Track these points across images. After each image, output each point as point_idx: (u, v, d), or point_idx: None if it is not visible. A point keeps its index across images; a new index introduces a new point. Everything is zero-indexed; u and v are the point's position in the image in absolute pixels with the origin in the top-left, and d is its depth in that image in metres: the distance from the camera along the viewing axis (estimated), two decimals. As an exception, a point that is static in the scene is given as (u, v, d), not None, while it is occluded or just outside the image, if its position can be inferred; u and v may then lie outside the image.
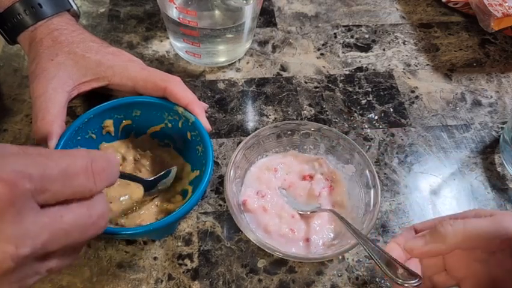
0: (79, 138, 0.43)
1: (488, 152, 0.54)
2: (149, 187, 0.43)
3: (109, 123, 0.45)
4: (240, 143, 0.46)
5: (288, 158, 0.48)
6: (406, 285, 0.34)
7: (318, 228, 0.43)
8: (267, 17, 0.66)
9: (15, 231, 0.23)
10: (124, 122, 0.46)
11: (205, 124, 0.43)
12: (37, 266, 0.25)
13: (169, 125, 0.46)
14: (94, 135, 0.45)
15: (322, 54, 0.62)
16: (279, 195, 0.46)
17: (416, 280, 0.34)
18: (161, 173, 0.44)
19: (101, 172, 0.28)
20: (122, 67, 0.45)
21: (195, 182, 0.44)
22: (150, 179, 0.43)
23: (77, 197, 0.27)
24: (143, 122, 0.46)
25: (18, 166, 0.23)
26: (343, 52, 0.62)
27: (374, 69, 0.61)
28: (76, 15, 0.50)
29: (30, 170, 0.24)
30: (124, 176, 0.41)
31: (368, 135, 0.54)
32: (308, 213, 0.44)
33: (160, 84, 0.44)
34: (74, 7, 0.49)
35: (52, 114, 0.41)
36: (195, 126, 0.43)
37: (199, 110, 0.43)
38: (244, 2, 0.52)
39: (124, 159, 0.46)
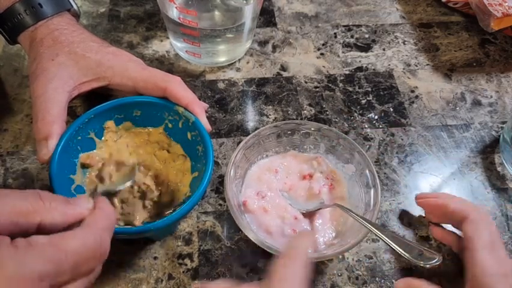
0: (80, 138, 0.43)
1: (488, 151, 0.54)
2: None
3: (110, 124, 0.45)
4: (240, 142, 0.46)
5: (287, 159, 0.48)
6: (428, 266, 0.35)
7: (320, 227, 0.44)
8: (267, 17, 0.66)
9: None
10: (125, 124, 0.46)
11: (206, 124, 0.43)
12: None
13: (170, 125, 0.46)
14: (94, 136, 0.45)
15: (322, 54, 0.62)
16: (281, 197, 0.46)
17: (437, 259, 0.35)
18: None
19: (108, 247, 0.30)
20: (123, 67, 0.45)
21: (195, 182, 0.44)
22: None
23: (83, 277, 0.29)
24: (144, 122, 0.46)
25: (37, 266, 0.25)
26: (343, 52, 0.62)
27: (374, 69, 0.61)
28: (76, 15, 0.50)
29: (47, 270, 0.25)
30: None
31: (368, 135, 0.54)
32: (313, 211, 0.44)
33: (161, 84, 0.44)
34: (75, 7, 0.49)
35: (52, 114, 0.41)
36: (195, 126, 0.43)
37: (199, 110, 0.43)
38: (244, 2, 0.52)
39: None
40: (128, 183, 0.42)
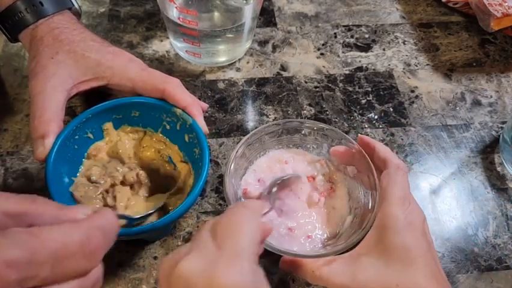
0: (77, 137, 0.43)
1: (488, 151, 0.54)
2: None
3: (108, 126, 0.45)
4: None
5: (296, 155, 0.48)
6: None
7: (317, 225, 0.44)
8: (267, 17, 0.66)
9: None
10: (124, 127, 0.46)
11: (203, 127, 0.43)
12: None
13: (167, 126, 0.46)
14: (92, 135, 0.45)
15: (322, 54, 0.62)
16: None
17: None
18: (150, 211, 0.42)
19: (98, 249, 0.26)
20: (122, 67, 0.45)
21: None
22: (138, 216, 0.41)
23: (70, 279, 0.25)
24: (142, 122, 0.46)
25: (3, 253, 0.22)
26: (343, 52, 0.62)
27: (374, 69, 0.61)
28: (77, 14, 0.50)
29: (16, 257, 0.22)
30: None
31: (368, 135, 0.54)
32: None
33: (159, 85, 0.44)
34: (76, 5, 0.49)
35: (50, 112, 0.41)
36: (192, 129, 0.43)
37: (197, 112, 0.43)
38: (244, 2, 0.52)
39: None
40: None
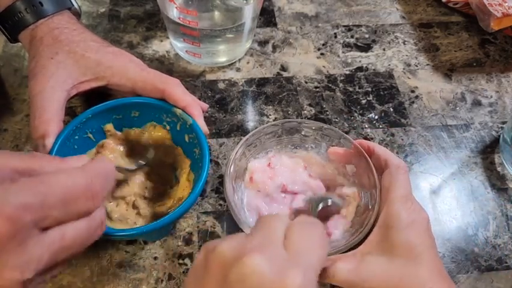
0: (77, 137, 0.43)
1: (488, 151, 0.54)
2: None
3: (109, 127, 0.45)
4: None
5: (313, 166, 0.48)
6: None
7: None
8: (267, 17, 0.66)
9: (19, 259, 0.25)
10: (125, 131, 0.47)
11: (203, 127, 0.43)
12: (42, 278, 0.27)
13: (167, 127, 0.46)
14: (91, 136, 0.44)
15: (322, 54, 0.62)
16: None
17: None
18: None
19: (100, 191, 0.29)
20: (122, 68, 0.45)
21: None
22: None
23: (78, 218, 0.28)
24: (142, 123, 0.46)
25: (18, 198, 0.24)
26: (343, 52, 0.62)
27: (374, 69, 0.61)
28: (77, 14, 0.50)
29: (30, 201, 0.25)
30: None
31: (368, 135, 0.54)
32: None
33: (159, 86, 0.44)
34: (75, 6, 0.49)
35: (50, 112, 0.41)
36: (193, 129, 0.43)
37: (197, 113, 0.43)
38: (244, 2, 0.52)
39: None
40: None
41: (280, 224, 0.30)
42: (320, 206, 0.42)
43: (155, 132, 0.46)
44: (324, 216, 0.43)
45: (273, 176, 0.45)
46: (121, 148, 0.47)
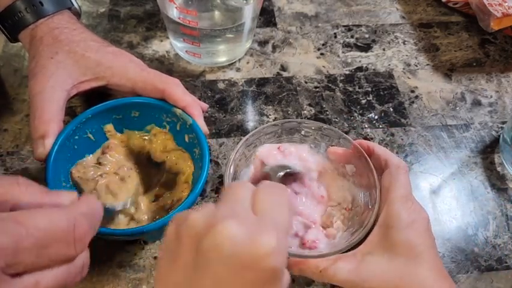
0: (77, 137, 0.43)
1: (488, 151, 0.54)
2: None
3: (110, 128, 0.45)
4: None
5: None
6: None
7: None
8: (267, 17, 0.66)
9: None
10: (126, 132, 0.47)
11: (203, 127, 0.43)
12: None
13: (167, 127, 0.46)
14: (91, 136, 0.44)
15: (322, 54, 0.62)
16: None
17: None
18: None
19: (84, 237, 0.26)
20: (122, 68, 0.45)
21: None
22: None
23: (56, 264, 0.25)
24: (142, 123, 0.46)
25: None
26: (343, 52, 0.62)
27: (374, 69, 0.61)
28: (77, 14, 0.50)
29: (2, 242, 0.22)
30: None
31: (368, 135, 0.54)
32: None
33: (159, 86, 0.44)
34: (75, 5, 0.49)
35: (50, 112, 0.41)
36: (192, 129, 0.43)
37: (197, 113, 0.43)
38: (244, 2, 0.52)
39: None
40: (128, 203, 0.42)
41: (246, 190, 0.29)
42: (281, 174, 0.43)
43: (159, 138, 0.47)
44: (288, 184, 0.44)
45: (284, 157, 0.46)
46: (126, 149, 0.47)
